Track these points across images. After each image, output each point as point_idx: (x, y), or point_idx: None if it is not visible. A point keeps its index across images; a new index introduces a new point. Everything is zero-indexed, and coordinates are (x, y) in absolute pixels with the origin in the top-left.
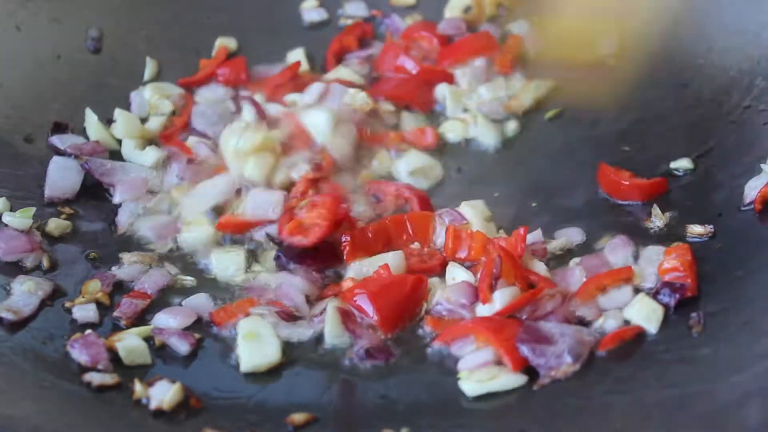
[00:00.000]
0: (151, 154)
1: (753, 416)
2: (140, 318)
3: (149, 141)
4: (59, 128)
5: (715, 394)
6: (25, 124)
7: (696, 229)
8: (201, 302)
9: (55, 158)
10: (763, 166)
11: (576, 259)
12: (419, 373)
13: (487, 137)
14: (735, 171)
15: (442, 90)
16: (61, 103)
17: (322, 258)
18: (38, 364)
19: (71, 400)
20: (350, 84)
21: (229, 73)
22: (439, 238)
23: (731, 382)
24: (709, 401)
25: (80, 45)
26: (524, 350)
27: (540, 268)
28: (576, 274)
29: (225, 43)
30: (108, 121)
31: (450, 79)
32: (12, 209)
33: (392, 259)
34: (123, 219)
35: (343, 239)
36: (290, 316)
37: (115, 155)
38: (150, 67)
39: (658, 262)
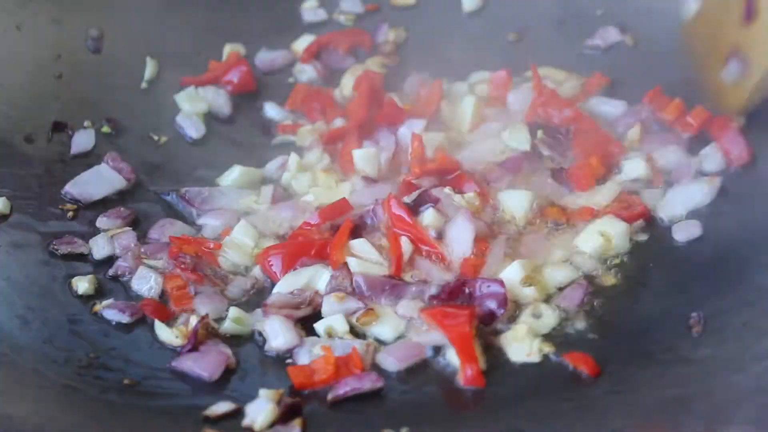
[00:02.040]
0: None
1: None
2: None
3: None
4: (59, 128)
5: (715, 394)
6: (25, 124)
7: None
8: None
9: (101, 165)
10: None
11: None
12: (420, 374)
13: None
14: (737, 172)
15: None
16: (61, 103)
17: None
18: (38, 364)
19: (71, 400)
20: None
21: (237, 81)
22: None
23: (731, 382)
24: (709, 401)
25: (80, 45)
26: None
27: None
28: None
29: (235, 48)
30: (108, 120)
31: None
32: (12, 209)
33: None
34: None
35: None
36: None
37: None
38: (150, 67)
39: None
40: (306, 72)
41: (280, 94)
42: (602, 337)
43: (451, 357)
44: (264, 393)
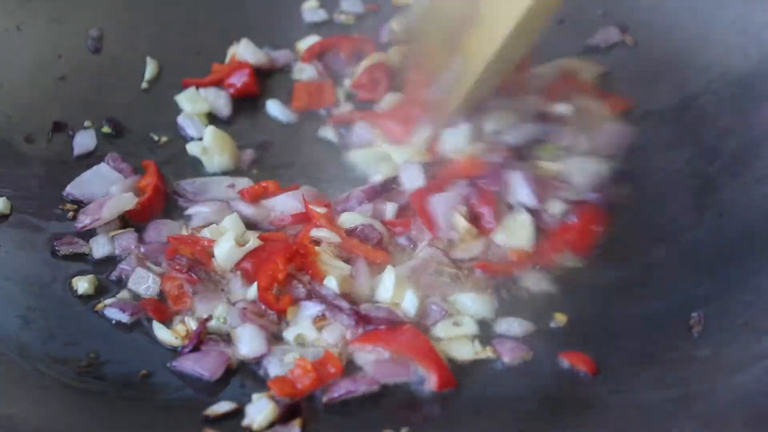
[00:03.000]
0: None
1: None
2: None
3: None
4: (59, 128)
5: (715, 394)
6: (25, 124)
7: None
8: None
9: (101, 165)
10: None
11: None
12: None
13: None
14: (736, 173)
15: None
16: (61, 103)
17: None
18: (38, 364)
19: (71, 400)
20: None
21: (239, 85)
22: None
23: (731, 382)
24: (709, 401)
25: (80, 45)
26: None
27: None
28: None
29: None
30: (108, 120)
31: None
32: (12, 209)
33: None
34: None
35: None
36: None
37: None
38: (150, 67)
39: None
40: (306, 71)
41: (280, 93)
42: (602, 337)
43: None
44: (258, 396)
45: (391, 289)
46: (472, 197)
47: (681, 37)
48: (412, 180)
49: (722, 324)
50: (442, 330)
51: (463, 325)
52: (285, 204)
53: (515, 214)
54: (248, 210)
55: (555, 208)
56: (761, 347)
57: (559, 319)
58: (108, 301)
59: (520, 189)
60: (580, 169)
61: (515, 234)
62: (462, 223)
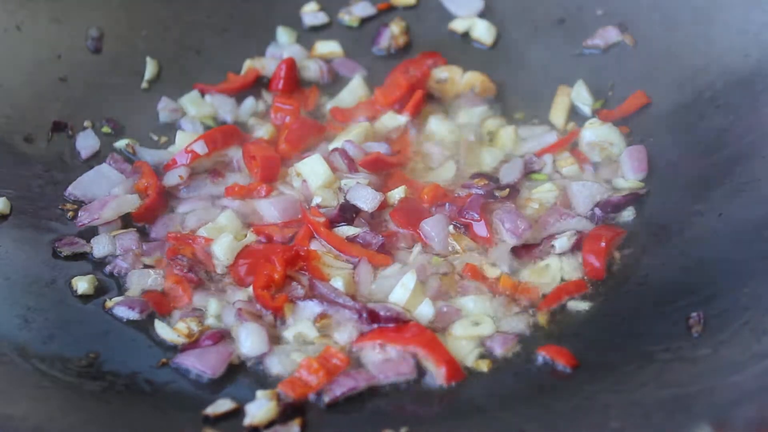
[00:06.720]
0: None
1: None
2: None
3: None
4: (59, 128)
5: (715, 394)
6: (25, 124)
7: None
8: None
9: (103, 166)
10: None
11: None
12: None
13: None
14: (736, 173)
15: None
16: (61, 103)
17: None
18: (38, 364)
19: (71, 400)
20: None
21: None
22: None
23: (731, 382)
24: (709, 401)
25: (80, 45)
26: None
27: None
28: None
29: (254, 65)
30: (108, 120)
31: None
32: (12, 209)
33: None
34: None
35: None
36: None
37: None
38: (150, 67)
39: None
40: (311, 70)
41: None
42: (602, 337)
43: (429, 366)
44: (261, 393)
45: (408, 293)
46: (460, 214)
47: (681, 37)
48: (369, 201)
49: (722, 324)
50: (460, 329)
51: (482, 324)
52: (267, 210)
53: (543, 257)
54: (234, 206)
55: (561, 244)
56: (761, 347)
57: (558, 318)
58: (117, 299)
59: (506, 226)
60: (582, 193)
61: (542, 275)
62: (458, 242)
